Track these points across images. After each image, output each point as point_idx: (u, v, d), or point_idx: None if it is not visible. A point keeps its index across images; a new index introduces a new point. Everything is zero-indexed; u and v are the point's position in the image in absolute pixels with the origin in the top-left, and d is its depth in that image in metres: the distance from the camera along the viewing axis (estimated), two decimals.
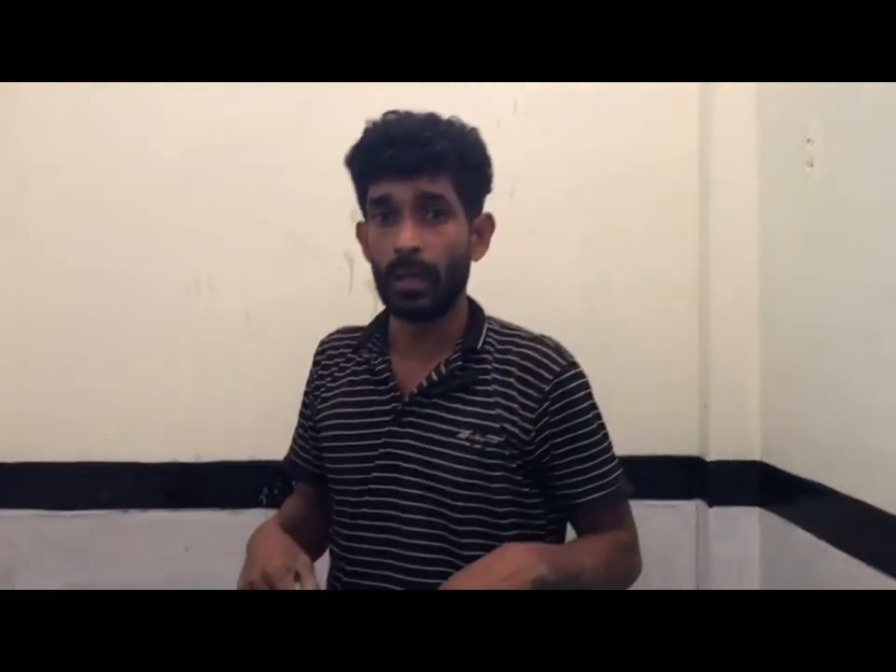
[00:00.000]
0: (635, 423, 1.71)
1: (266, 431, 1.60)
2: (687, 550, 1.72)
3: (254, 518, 1.63)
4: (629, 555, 1.17)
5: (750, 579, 1.64)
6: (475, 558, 1.06)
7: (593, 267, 1.70)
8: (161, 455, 1.67)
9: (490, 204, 1.20)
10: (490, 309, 1.22)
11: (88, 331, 1.68)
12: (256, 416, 1.67)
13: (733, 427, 1.65)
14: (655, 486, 1.72)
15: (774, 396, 1.60)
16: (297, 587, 1.00)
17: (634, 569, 1.18)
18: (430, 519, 1.10)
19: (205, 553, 1.65)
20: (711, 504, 1.67)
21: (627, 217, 1.69)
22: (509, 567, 1.00)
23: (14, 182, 1.69)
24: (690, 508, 1.72)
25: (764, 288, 1.62)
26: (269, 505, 1.64)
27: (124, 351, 1.69)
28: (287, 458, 1.33)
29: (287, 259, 1.67)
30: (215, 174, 1.67)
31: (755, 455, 1.64)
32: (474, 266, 1.18)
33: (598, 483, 1.12)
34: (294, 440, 1.31)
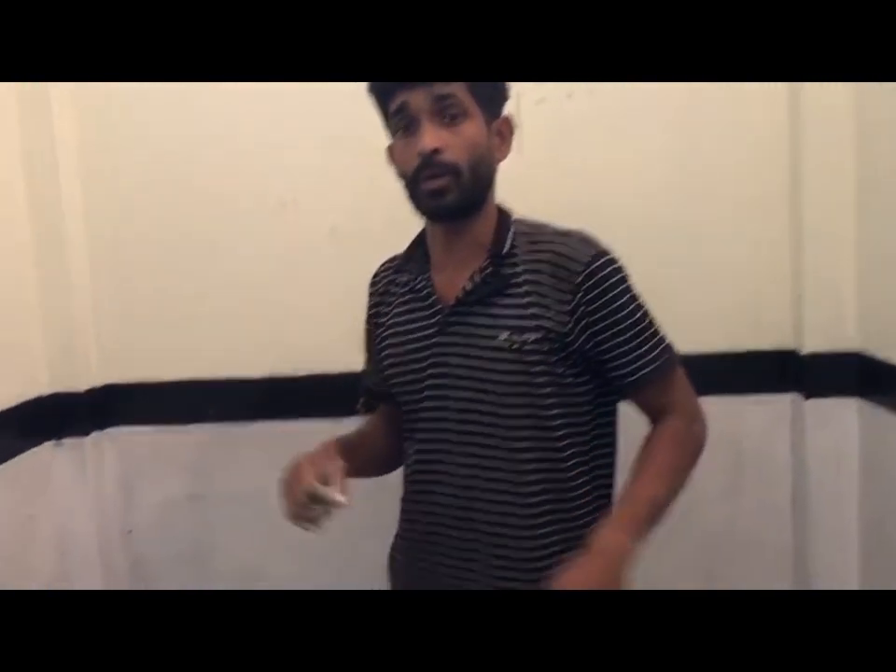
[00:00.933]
0: (727, 317, 1.69)
1: (359, 344, 1.65)
2: (783, 444, 1.71)
3: (352, 426, 1.71)
4: (688, 440, 1.19)
5: (849, 471, 1.63)
6: (528, 456, 1.13)
7: (679, 154, 1.67)
8: (261, 370, 1.75)
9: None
10: (571, 207, 1.22)
11: (188, 253, 1.75)
12: (348, 329, 1.72)
13: (828, 318, 1.61)
14: (749, 381, 1.71)
15: (871, 284, 1.55)
16: (318, 489, 1.05)
17: (698, 445, 1.19)
18: (482, 419, 1.15)
19: None
20: (808, 396, 1.65)
21: (714, 103, 1.64)
22: (602, 565, 1.04)
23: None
24: (785, 401, 1.71)
25: (861, 173, 1.55)
26: (366, 413, 1.70)
27: (221, 271, 1.75)
28: (361, 383, 1.39)
29: (369, 176, 1.69)
30: (301, 97, 1.69)
31: (853, 346, 1.60)
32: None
33: (644, 360, 1.14)
34: (364, 364, 1.37)
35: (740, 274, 1.68)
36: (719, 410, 1.24)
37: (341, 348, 1.73)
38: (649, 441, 1.18)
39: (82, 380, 1.71)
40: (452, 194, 1.12)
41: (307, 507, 1.10)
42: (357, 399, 1.74)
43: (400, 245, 1.32)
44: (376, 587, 1.40)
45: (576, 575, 1.04)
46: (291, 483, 1.14)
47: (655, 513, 1.11)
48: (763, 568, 1.71)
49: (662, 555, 1.56)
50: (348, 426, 1.71)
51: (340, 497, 1.05)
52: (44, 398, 1.64)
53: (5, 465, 1.51)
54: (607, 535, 1.08)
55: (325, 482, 1.07)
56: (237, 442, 1.75)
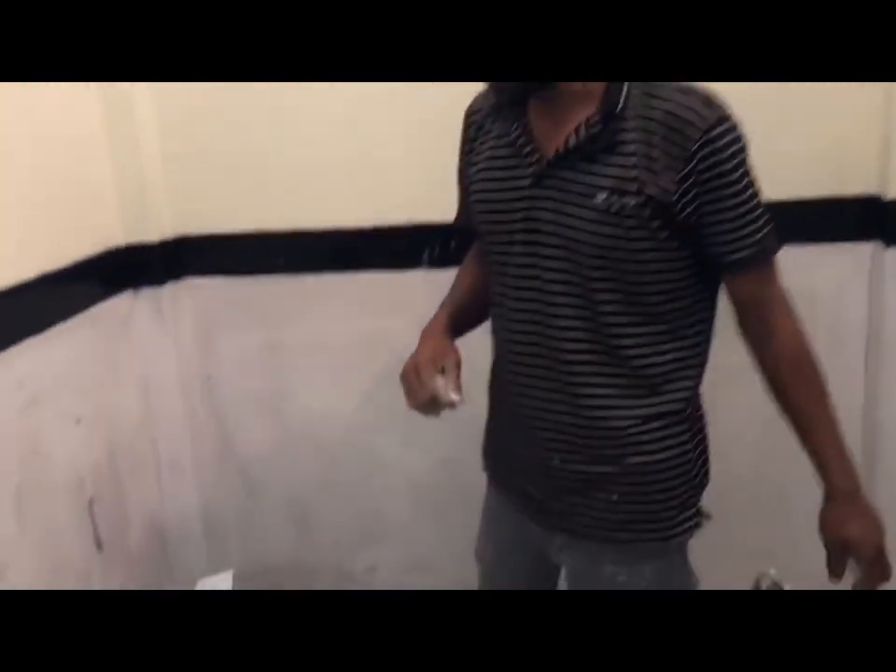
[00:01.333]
0: (809, 162, 1.61)
1: (423, 196, 1.63)
2: (859, 294, 1.67)
3: (417, 277, 1.73)
4: (810, 358, 1.15)
5: None
6: (612, 321, 1.11)
7: None
8: (328, 222, 1.75)
9: None
10: None
11: (257, 104, 1.71)
12: (413, 181, 1.70)
13: None
14: (827, 229, 1.64)
15: None
16: (440, 380, 1.13)
17: (813, 357, 1.16)
18: (569, 278, 1.11)
19: (376, 310, 1.76)
20: (889, 244, 1.58)
21: None
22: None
23: None
24: (865, 250, 1.65)
25: None
26: (431, 265, 1.71)
27: (291, 122, 1.73)
28: (456, 218, 1.34)
29: None
30: None
31: None
32: None
33: (747, 242, 1.08)
34: (459, 201, 1.33)
35: (824, 117, 1.58)
36: (795, 259, 1.20)
37: (408, 200, 1.73)
38: (785, 377, 1.14)
39: (154, 232, 1.74)
40: None
41: (428, 407, 1.16)
42: (422, 251, 1.75)
43: (469, 97, 1.27)
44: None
45: (850, 528, 1.13)
46: (413, 383, 1.17)
47: (840, 435, 1.14)
48: None
49: (731, 403, 1.57)
50: (413, 278, 1.73)
51: (455, 398, 1.14)
52: (119, 248, 1.68)
53: (88, 311, 1.57)
54: (841, 481, 1.13)
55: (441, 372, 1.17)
56: (307, 293, 1.79)
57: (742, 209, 1.06)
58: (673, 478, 1.17)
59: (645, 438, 1.16)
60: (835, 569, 1.15)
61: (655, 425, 1.16)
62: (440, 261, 1.69)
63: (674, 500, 1.18)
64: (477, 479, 1.34)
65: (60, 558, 1.45)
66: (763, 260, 1.11)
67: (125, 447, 1.70)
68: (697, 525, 1.21)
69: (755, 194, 1.08)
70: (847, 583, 1.15)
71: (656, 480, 1.17)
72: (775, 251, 1.12)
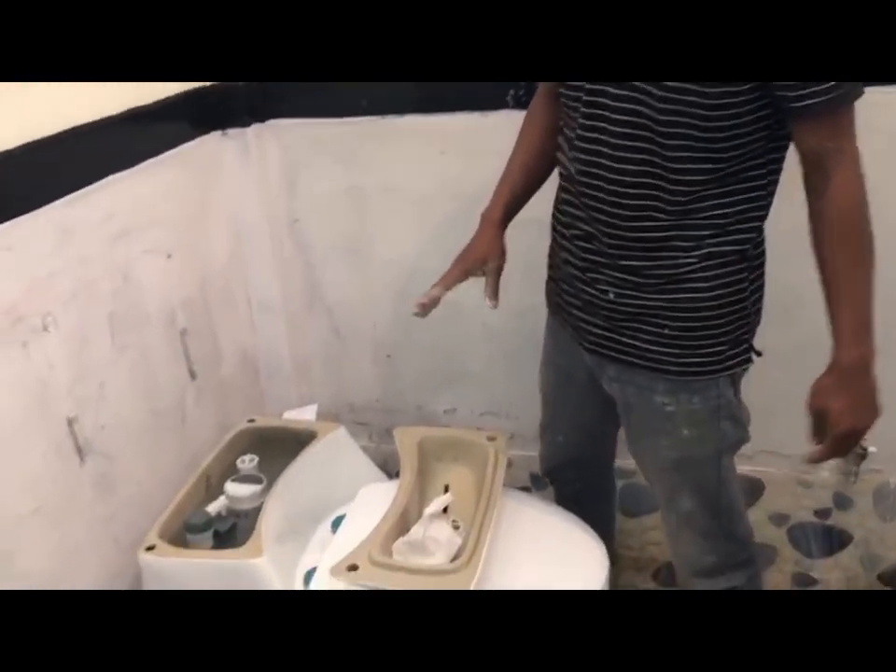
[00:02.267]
0: None
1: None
2: None
3: (501, 118, 1.67)
4: (863, 218, 1.07)
5: None
6: (678, 166, 1.08)
7: None
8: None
9: None
10: None
11: None
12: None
13: None
14: None
15: None
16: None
17: (864, 203, 1.08)
18: (636, 119, 1.09)
19: (459, 154, 1.74)
20: None
21: None
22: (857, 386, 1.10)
23: None
24: None
25: None
26: (515, 106, 1.65)
27: None
28: None
29: None
30: None
31: None
32: None
33: (814, 89, 1.00)
34: None
35: None
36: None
37: None
38: (826, 231, 1.08)
39: None
40: None
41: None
42: (506, 92, 1.69)
43: None
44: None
45: (836, 401, 1.10)
46: (456, 271, 1.40)
47: (869, 310, 1.08)
48: None
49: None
50: (497, 119, 1.68)
51: (489, 303, 1.37)
52: (205, 88, 1.69)
53: (177, 150, 1.60)
54: (846, 354, 1.09)
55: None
56: (390, 135, 1.77)
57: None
58: (726, 315, 1.17)
59: (701, 276, 1.15)
60: (814, 438, 1.15)
61: (713, 263, 1.14)
62: (525, 102, 1.64)
63: (725, 336, 1.18)
64: None
65: (155, 383, 1.56)
66: (830, 111, 1.03)
67: (216, 284, 1.77)
68: (748, 361, 1.23)
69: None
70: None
71: (709, 316, 1.17)
72: (846, 102, 1.03)
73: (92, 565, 1.39)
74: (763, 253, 1.21)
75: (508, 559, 1.38)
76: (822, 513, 1.87)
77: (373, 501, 1.55)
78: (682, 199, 1.11)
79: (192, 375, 1.68)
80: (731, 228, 1.14)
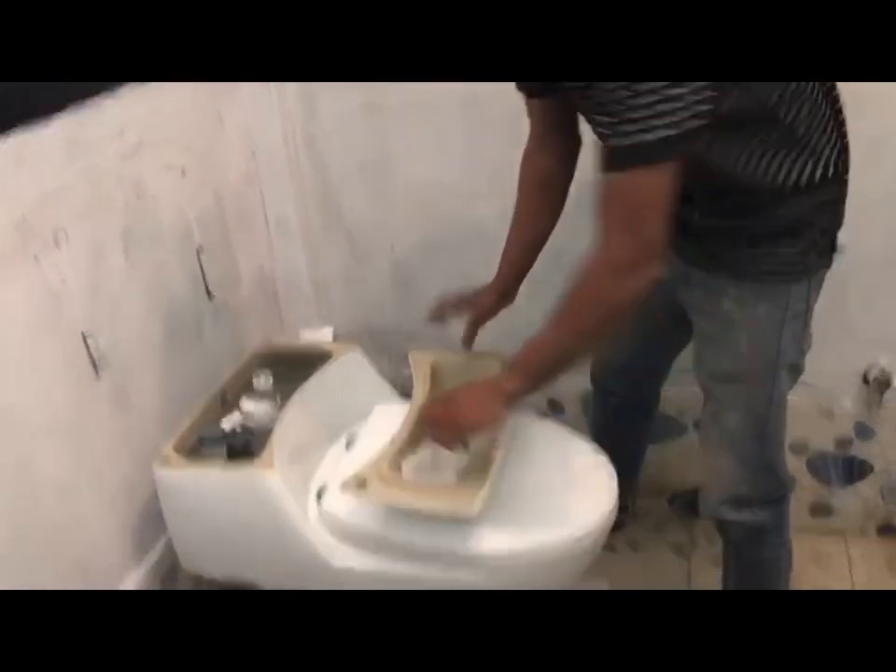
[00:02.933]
0: None
1: None
2: None
3: None
4: (602, 297, 1.11)
5: None
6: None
7: None
8: None
9: None
10: None
11: None
12: None
13: None
14: None
15: None
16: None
17: (618, 299, 1.10)
18: None
19: None
20: None
21: None
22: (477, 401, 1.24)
23: None
24: None
25: None
26: None
27: None
28: None
29: None
30: None
31: None
32: None
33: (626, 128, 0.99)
34: None
35: None
36: None
37: None
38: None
39: None
40: None
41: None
42: None
43: None
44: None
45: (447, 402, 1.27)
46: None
47: (545, 357, 1.19)
48: None
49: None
50: None
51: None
52: None
53: None
54: (506, 379, 1.21)
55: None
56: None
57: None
58: (802, 233, 1.19)
59: (780, 199, 1.16)
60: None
61: (798, 186, 1.16)
62: None
63: (800, 254, 1.21)
64: None
65: (171, 301, 1.56)
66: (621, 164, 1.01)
67: (232, 201, 1.75)
68: (824, 265, 1.26)
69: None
70: None
71: (786, 234, 1.19)
72: (647, 157, 0.98)
73: (109, 477, 1.41)
74: (846, 179, 1.22)
75: (518, 481, 1.39)
76: (843, 443, 1.85)
77: (387, 421, 1.55)
78: (770, 122, 1.12)
79: (209, 295, 1.68)
80: (819, 152, 1.15)
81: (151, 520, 1.52)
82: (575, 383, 1.92)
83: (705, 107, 0.95)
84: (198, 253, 1.63)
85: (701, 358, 1.37)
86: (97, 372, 1.36)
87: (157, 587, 1.53)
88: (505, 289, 1.48)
